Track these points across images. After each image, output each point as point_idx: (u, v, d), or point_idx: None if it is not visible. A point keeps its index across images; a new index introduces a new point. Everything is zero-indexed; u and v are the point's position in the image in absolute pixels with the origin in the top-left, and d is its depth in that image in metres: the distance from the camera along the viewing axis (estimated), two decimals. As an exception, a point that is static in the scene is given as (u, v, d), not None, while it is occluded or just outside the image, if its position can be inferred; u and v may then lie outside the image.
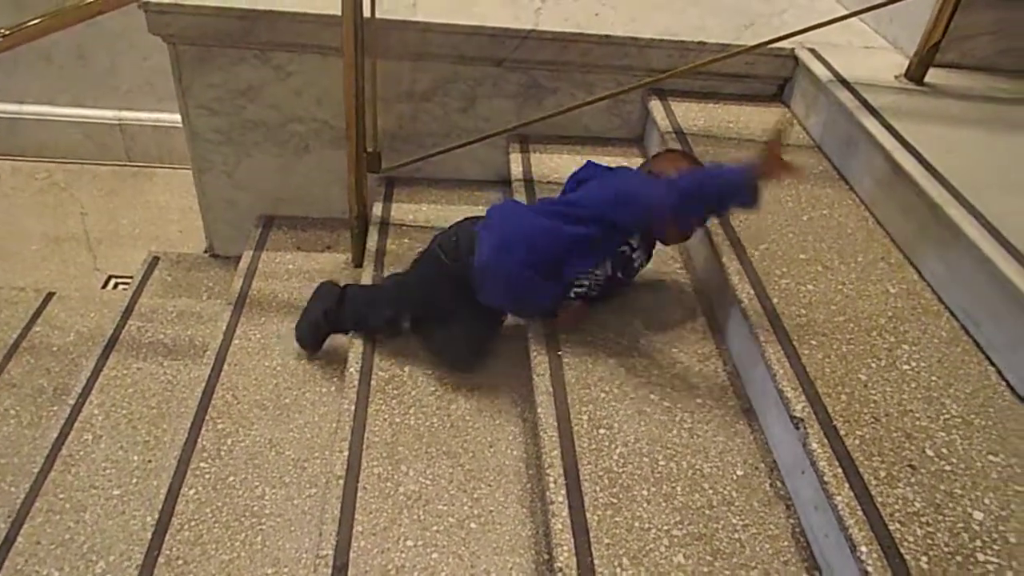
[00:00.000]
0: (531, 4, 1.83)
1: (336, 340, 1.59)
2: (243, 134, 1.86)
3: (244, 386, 1.56)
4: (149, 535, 1.29)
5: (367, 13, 1.50)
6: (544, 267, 1.28)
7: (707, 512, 1.08)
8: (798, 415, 1.06)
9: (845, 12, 1.72)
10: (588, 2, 1.89)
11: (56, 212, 2.93)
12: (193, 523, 1.31)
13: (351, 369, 1.41)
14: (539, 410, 1.21)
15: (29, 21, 1.42)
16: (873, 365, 1.14)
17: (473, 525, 1.18)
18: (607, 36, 1.74)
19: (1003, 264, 1.14)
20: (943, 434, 1.04)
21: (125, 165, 3.19)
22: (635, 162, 1.85)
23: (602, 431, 1.18)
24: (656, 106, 1.80)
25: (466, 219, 1.42)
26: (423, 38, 1.72)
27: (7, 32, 1.39)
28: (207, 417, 1.49)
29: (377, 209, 1.83)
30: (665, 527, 1.05)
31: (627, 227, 1.31)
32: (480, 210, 1.84)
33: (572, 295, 1.32)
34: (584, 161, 1.81)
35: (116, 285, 2.47)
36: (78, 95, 3.24)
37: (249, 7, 1.65)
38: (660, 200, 1.25)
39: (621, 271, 1.34)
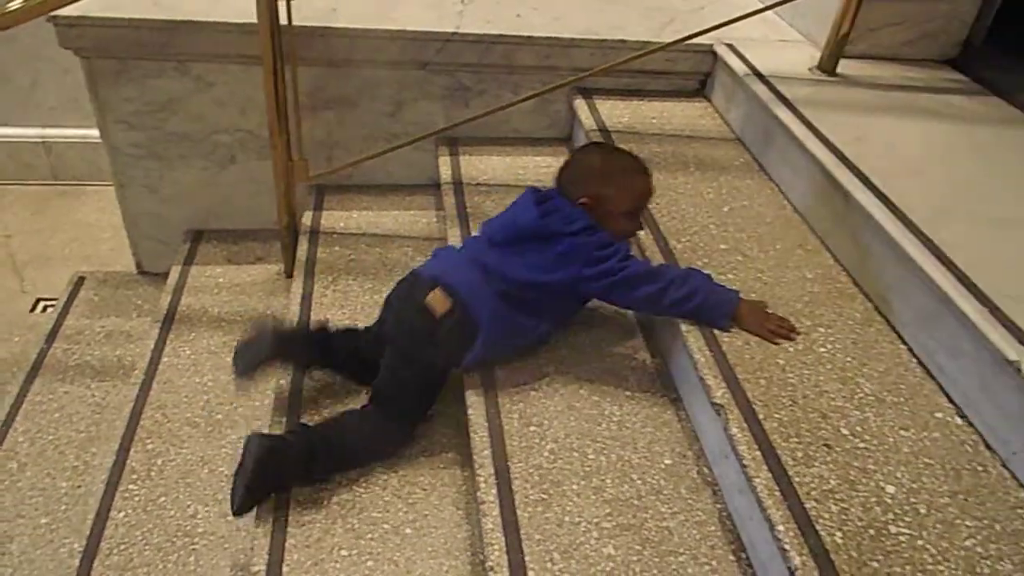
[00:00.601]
0: (453, 7, 1.84)
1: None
2: (166, 147, 1.82)
3: (174, 404, 1.53)
4: (77, 562, 1.26)
5: (284, 20, 1.48)
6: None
7: (636, 503, 1.09)
8: (718, 401, 1.08)
9: (759, 6, 1.77)
10: (510, 4, 1.90)
11: (-22, 235, 2.83)
12: (123, 547, 1.28)
13: (282, 382, 1.40)
14: (470, 411, 1.21)
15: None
16: (791, 350, 1.18)
17: (408, 530, 1.17)
18: (529, 37, 1.75)
19: (907, 245, 1.18)
20: (857, 412, 1.08)
21: (51, 184, 3.10)
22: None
23: (532, 428, 1.18)
24: (581, 105, 1.82)
25: (416, 306, 1.22)
26: (344, 44, 1.71)
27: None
28: (136, 438, 1.46)
29: (308, 218, 1.82)
30: (595, 520, 1.06)
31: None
32: (411, 216, 1.85)
33: None
34: (513, 163, 1.84)
35: (45, 308, 2.40)
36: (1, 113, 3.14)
37: (165, 18, 1.62)
38: (649, 303, 1.22)
39: None
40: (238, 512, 1.15)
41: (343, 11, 1.75)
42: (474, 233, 1.43)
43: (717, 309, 1.20)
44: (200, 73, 1.72)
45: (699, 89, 1.92)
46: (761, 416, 1.06)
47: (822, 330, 1.22)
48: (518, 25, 1.78)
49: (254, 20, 1.45)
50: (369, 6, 1.79)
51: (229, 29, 1.64)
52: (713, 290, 1.22)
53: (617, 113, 1.79)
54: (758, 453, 1.00)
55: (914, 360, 1.18)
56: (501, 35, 1.74)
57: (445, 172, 1.78)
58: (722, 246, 1.39)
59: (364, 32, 1.70)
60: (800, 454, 1.01)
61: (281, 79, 1.53)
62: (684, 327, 1.20)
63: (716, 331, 1.19)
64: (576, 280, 1.21)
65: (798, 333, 1.20)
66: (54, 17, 1.59)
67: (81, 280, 2.02)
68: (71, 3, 1.42)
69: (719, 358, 1.14)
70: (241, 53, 1.67)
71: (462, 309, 1.20)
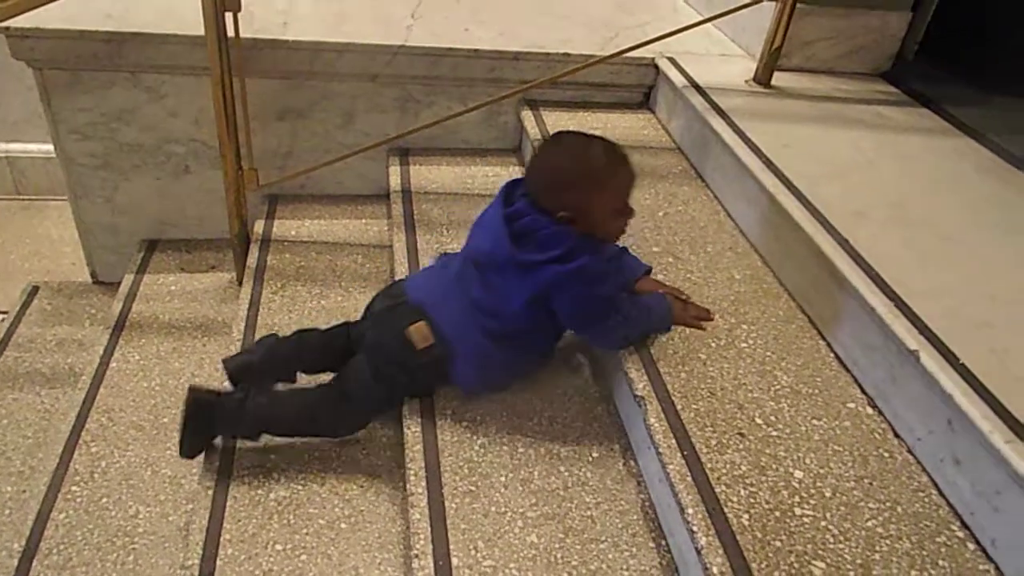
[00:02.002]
0: (402, 21, 1.89)
1: (213, 356, 1.59)
2: (120, 158, 1.84)
3: (121, 408, 1.54)
4: (15, 562, 1.27)
5: (231, 33, 1.52)
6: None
7: (562, 493, 1.12)
8: (639, 393, 1.12)
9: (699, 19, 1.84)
10: (459, 18, 1.96)
11: (-62, 249, 2.83)
12: (63, 547, 1.29)
13: (226, 383, 1.42)
14: (404, 407, 1.24)
15: None
16: (713, 344, 1.22)
17: (343, 525, 1.20)
18: (475, 50, 1.80)
19: (824, 244, 1.23)
20: (773, 403, 1.12)
21: (14, 199, 3.10)
22: (513, 171, 1.92)
23: (465, 423, 1.21)
24: (527, 116, 1.87)
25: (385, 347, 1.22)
26: (295, 56, 1.75)
27: None
28: (81, 441, 1.47)
29: (260, 226, 1.85)
30: (520, 510, 1.09)
31: None
32: (362, 225, 1.89)
33: None
34: (462, 172, 1.88)
35: (2, 320, 2.40)
36: (-39, 128, 3.15)
37: (114, 29, 1.65)
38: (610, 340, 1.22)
39: None
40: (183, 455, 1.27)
41: (294, 25, 1.79)
42: (456, 249, 1.34)
43: (659, 324, 1.24)
44: (152, 84, 1.75)
45: (644, 101, 1.98)
46: (679, 407, 1.10)
47: (745, 327, 1.26)
48: (465, 39, 1.84)
49: (203, 33, 1.48)
50: (320, 20, 1.84)
51: (179, 41, 1.67)
52: (650, 319, 1.22)
53: (562, 123, 1.85)
54: (673, 441, 1.04)
55: (832, 354, 1.22)
56: (449, 48, 1.79)
57: (395, 181, 1.82)
58: (655, 248, 1.43)
59: (314, 45, 1.74)
60: (714, 442, 1.05)
61: (230, 91, 1.56)
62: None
63: (642, 328, 1.24)
64: (551, 308, 1.16)
65: (713, 316, 1.25)
66: (6, 28, 1.62)
67: (35, 290, 2.03)
68: (21, 13, 1.47)
69: (643, 354, 1.19)
70: (192, 64, 1.70)
71: (443, 347, 1.17)
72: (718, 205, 1.59)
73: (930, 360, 1.01)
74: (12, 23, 1.60)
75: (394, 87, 1.85)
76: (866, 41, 1.87)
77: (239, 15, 1.49)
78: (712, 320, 1.26)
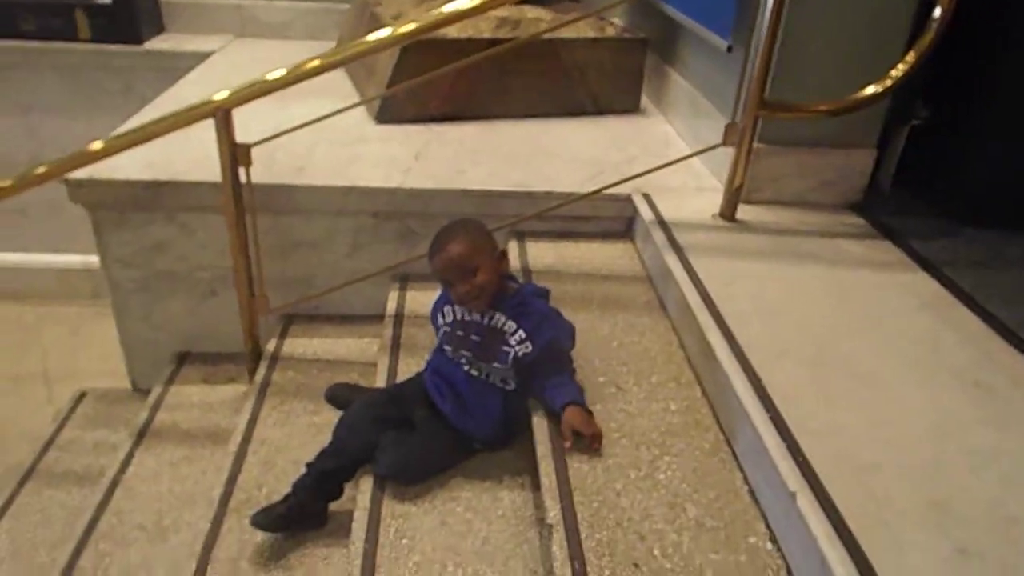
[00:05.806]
0: (404, 164, 2.12)
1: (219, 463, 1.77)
2: (157, 282, 2.12)
3: (130, 509, 1.73)
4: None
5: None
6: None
7: (479, 613, 1.22)
8: (549, 521, 1.22)
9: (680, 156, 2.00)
10: (456, 159, 2.18)
11: (21, 351, 3.19)
12: (58, 639, 1.46)
13: (214, 493, 1.59)
14: (354, 524, 1.38)
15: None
16: (632, 475, 1.31)
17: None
18: (465, 191, 2.01)
19: (738, 383, 1.33)
20: (674, 535, 1.20)
21: (91, 306, 3.48)
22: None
23: (404, 541, 1.34)
24: (512, 246, 2.04)
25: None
26: (308, 197, 2.00)
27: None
28: (90, 539, 1.66)
29: (273, 344, 2.06)
30: (439, 627, 1.20)
31: None
32: (364, 344, 2.07)
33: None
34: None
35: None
36: (52, 243, 3.58)
37: (152, 179, 1.95)
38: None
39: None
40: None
41: (309, 169, 2.05)
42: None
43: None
44: (185, 221, 2.03)
45: (626, 231, 2.12)
46: (583, 536, 1.19)
47: (667, 459, 1.35)
48: (457, 180, 2.05)
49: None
50: (333, 164, 2.10)
51: (207, 187, 1.94)
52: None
53: (542, 254, 2.01)
54: (568, 571, 1.14)
55: (746, 487, 1.29)
56: (440, 189, 2.01)
57: (391, 306, 2.02)
58: (600, 379, 1.55)
59: (323, 188, 1.99)
60: (608, 572, 1.14)
61: (243, 230, 1.80)
62: (540, 452, 1.36)
63: (567, 459, 1.34)
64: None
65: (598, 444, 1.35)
66: (66, 179, 1.93)
67: (82, 396, 2.29)
68: (80, 167, 1.78)
69: (562, 482, 1.29)
70: (217, 205, 1.96)
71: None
72: (673, 336, 1.69)
73: (805, 502, 1.09)
74: (71, 175, 1.91)
75: (394, 221, 2.06)
76: (834, 176, 1.97)
77: (261, 159, 1.73)
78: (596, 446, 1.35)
